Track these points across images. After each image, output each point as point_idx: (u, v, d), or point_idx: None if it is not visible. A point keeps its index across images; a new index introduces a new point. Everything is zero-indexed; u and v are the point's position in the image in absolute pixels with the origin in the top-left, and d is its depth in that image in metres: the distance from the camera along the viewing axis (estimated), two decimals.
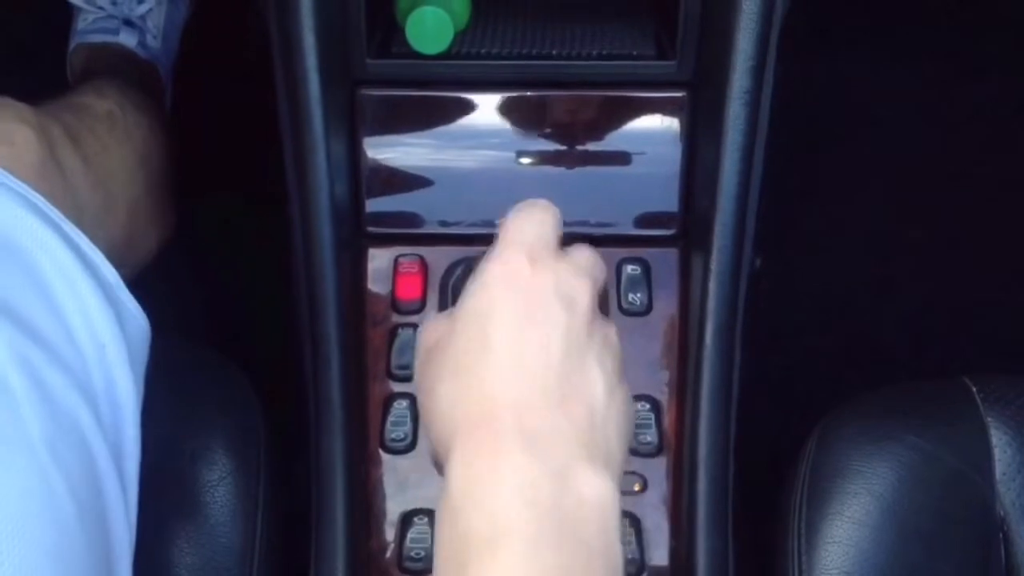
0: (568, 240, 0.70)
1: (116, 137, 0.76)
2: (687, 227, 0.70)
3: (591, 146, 0.69)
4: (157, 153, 0.81)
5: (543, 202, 0.52)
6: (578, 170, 0.70)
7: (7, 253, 0.49)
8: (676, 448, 0.66)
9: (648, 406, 0.66)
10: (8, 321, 0.46)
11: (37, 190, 0.53)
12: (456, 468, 0.43)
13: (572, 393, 0.46)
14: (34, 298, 0.49)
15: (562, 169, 0.70)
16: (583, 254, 0.52)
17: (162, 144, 0.83)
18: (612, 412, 0.47)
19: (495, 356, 0.46)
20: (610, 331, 0.50)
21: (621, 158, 0.70)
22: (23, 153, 0.60)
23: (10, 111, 0.62)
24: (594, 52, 0.69)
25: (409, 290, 0.68)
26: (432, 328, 0.50)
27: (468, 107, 0.69)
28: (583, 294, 0.48)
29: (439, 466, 0.46)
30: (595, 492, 0.43)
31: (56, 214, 0.53)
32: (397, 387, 0.66)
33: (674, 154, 0.69)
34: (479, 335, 0.46)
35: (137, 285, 0.56)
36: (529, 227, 0.50)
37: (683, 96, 0.68)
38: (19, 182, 0.52)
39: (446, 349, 0.47)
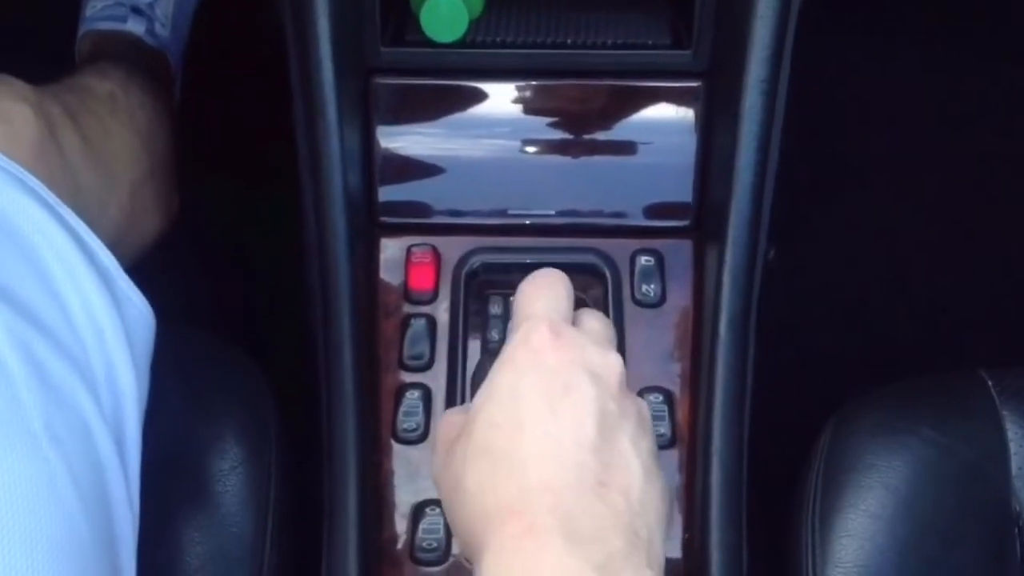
0: (581, 232, 0.70)
1: (118, 118, 0.76)
2: (701, 218, 0.69)
3: (605, 136, 0.69)
4: (161, 137, 0.81)
5: (554, 272, 0.51)
6: (592, 160, 0.69)
7: (5, 237, 0.49)
8: (689, 441, 0.65)
9: (661, 398, 0.66)
10: (6, 305, 0.46)
11: (35, 170, 0.53)
12: (492, 559, 0.41)
13: (609, 477, 0.44)
14: (32, 282, 0.49)
15: (576, 159, 0.69)
16: (597, 323, 0.50)
17: (167, 128, 0.83)
18: (650, 497, 0.45)
19: (527, 436, 0.44)
20: (642, 407, 0.48)
21: (635, 148, 0.69)
22: (21, 131, 0.59)
23: (8, 89, 0.62)
24: (609, 41, 0.69)
25: (422, 280, 0.68)
26: (451, 420, 0.48)
27: (482, 96, 0.69)
28: (611, 368, 0.47)
29: (469, 559, 0.45)
30: None
31: (54, 198, 0.52)
32: (409, 377, 0.66)
33: (689, 144, 0.69)
34: (508, 417, 0.44)
35: (144, 274, 0.56)
36: (544, 300, 0.49)
37: (698, 86, 0.68)
38: (17, 165, 0.52)
39: (471, 435, 0.45)
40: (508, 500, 0.43)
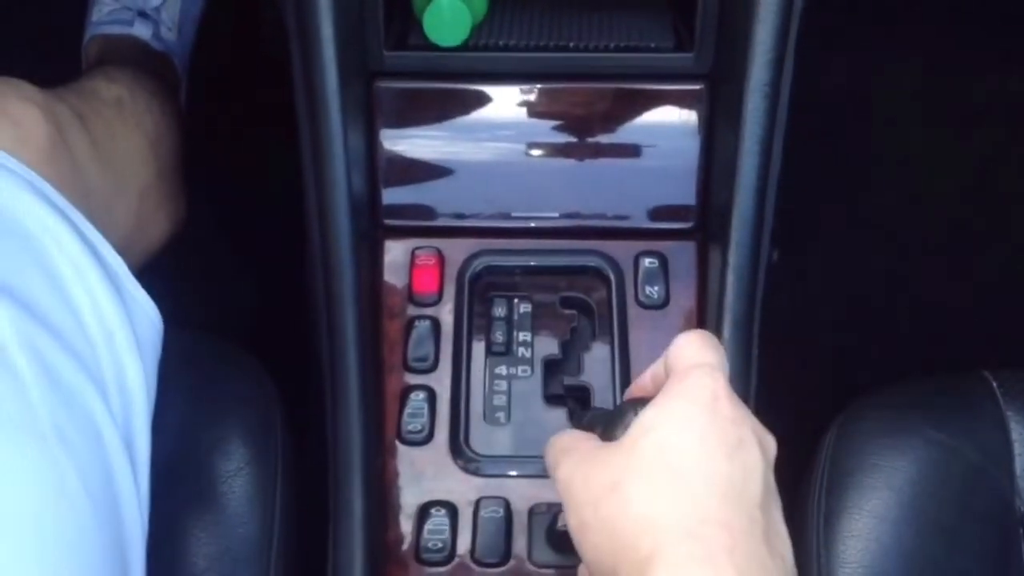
0: (584, 234, 0.70)
1: (125, 121, 0.76)
2: (704, 220, 0.69)
3: (608, 139, 0.69)
4: (168, 140, 0.81)
5: (711, 335, 0.51)
6: (595, 163, 0.70)
7: (16, 239, 0.49)
8: None
9: None
10: (17, 306, 0.46)
11: (44, 173, 0.53)
12: (667, 572, 0.42)
13: (773, 536, 0.45)
14: (43, 284, 0.49)
15: (579, 162, 0.70)
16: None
17: (174, 132, 0.83)
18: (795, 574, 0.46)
19: (707, 469, 0.44)
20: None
21: (638, 151, 0.70)
22: (31, 134, 0.60)
23: (17, 91, 0.62)
24: (611, 44, 0.69)
25: (426, 282, 0.68)
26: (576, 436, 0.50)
27: (485, 99, 0.69)
28: (771, 444, 0.48)
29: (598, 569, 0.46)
30: None
31: (63, 201, 0.53)
32: (413, 379, 0.66)
33: (692, 147, 0.69)
34: (688, 444, 0.45)
35: (151, 276, 0.56)
36: (715, 352, 0.49)
37: (701, 88, 0.68)
38: (27, 168, 0.52)
39: (639, 447, 0.46)
40: (687, 522, 0.43)
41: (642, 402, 0.48)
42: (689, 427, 0.46)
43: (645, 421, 0.47)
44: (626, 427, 0.48)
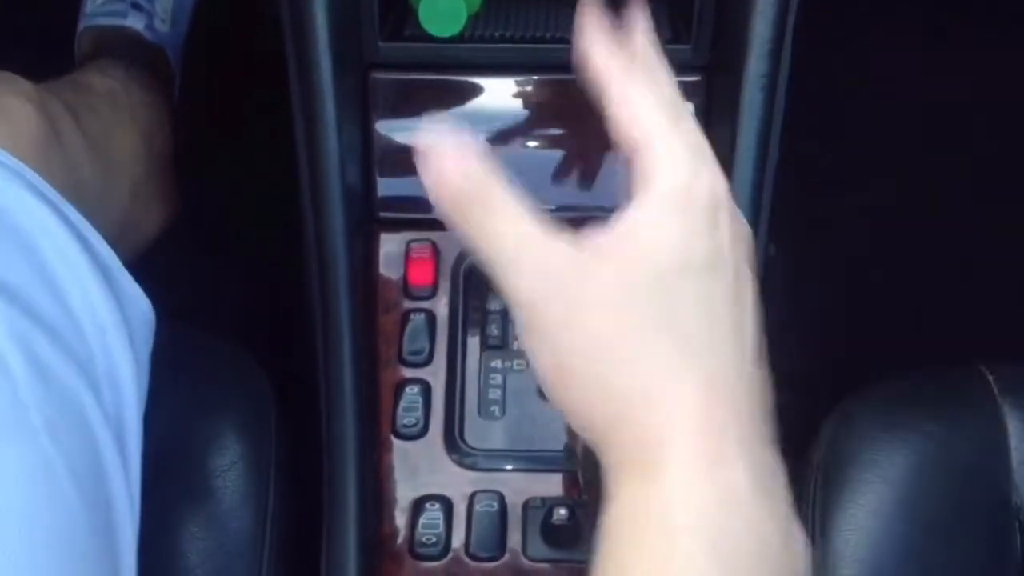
0: (580, 227, 0.70)
1: (118, 115, 0.76)
2: None
3: (605, 130, 0.69)
4: (161, 133, 0.81)
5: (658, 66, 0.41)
6: (591, 155, 0.69)
7: (6, 233, 0.49)
8: None
9: None
10: (7, 301, 0.46)
11: (37, 166, 0.53)
12: (681, 488, 0.35)
13: (757, 378, 0.38)
14: (33, 278, 0.49)
15: (575, 153, 0.69)
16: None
17: (167, 125, 0.83)
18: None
19: (717, 334, 0.37)
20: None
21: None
22: (23, 128, 0.59)
23: (11, 86, 0.62)
24: None
25: (421, 275, 0.68)
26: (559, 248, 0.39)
27: (480, 91, 0.69)
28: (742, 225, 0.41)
29: (579, 424, 0.38)
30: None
31: (56, 195, 0.52)
32: (409, 373, 0.66)
33: None
34: (690, 291, 0.37)
35: (144, 270, 0.56)
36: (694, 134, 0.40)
37: (698, 80, 0.68)
38: (19, 162, 0.52)
39: (639, 265, 0.37)
40: (698, 407, 0.36)
41: None
42: (691, 261, 0.38)
43: (641, 229, 0.38)
44: None
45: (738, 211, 0.41)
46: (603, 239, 0.39)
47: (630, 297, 0.37)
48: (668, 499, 0.35)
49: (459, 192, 0.40)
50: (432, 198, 0.40)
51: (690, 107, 0.43)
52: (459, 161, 0.40)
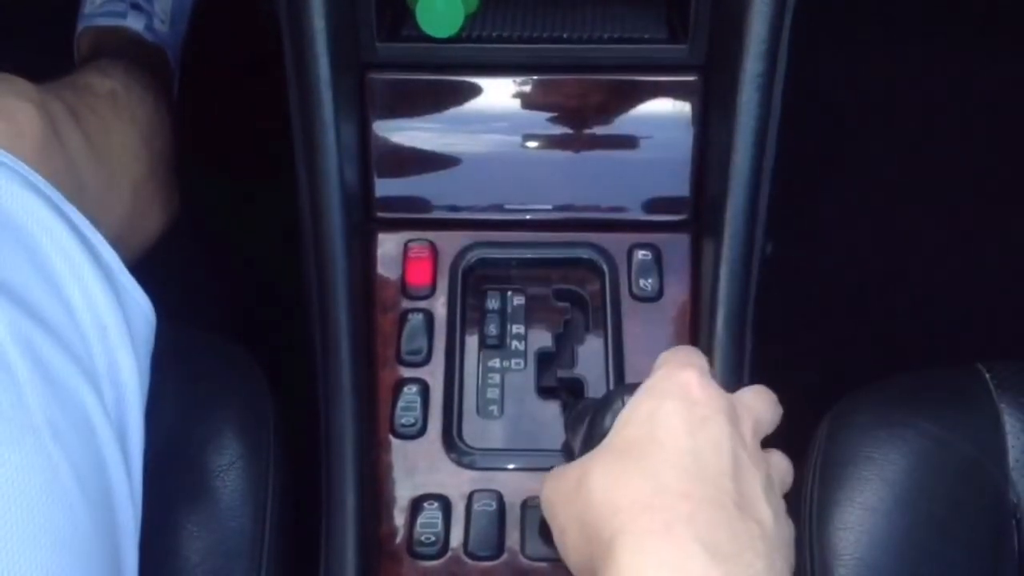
0: (578, 226, 0.70)
1: (118, 116, 0.76)
2: (699, 212, 0.69)
3: (602, 130, 0.69)
4: (161, 134, 0.81)
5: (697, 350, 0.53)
6: (589, 154, 0.69)
7: (8, 233, 0.49)
8: None
9: None
10: (9, 301, 0.46)
11: (38, 167, 0.53)
12: (629, 559, 0.43)
13: (745, 504, 0.45)
14: (35, 279, 0.49)
15: (573, 153, 0.70)
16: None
17: (167, 125, 0.83)
18: (783, 538, 0.46)
19: (665, 451, 0.45)
20: (776, 465, 0.50)
21: (632, 142, 0.70)
22: (24, 129, 0.59)
23: (12, 87, 0.62)
24: (605, 35, 0.69)
25: (419, 275, 0.68)
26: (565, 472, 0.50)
27: (478, 91, 0.69)
28: (748, 427, 0.49)
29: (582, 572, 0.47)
30: None
31: (57, 196, 0.52)
32: (407, 372, 0.66)
33: (685, 139, 0.69)
34: (646, 433, 0.46)
35: (144, 270, 0.56)
36: (699, 361, 0.51)
37: (695, 80, 0.68)
38: (20, 162, 0.52)
39: (605, 446, 0.47)
40: (642, 495, 0.44)
41: (631, 387, 0.49)
42: (654, 415, 0.47)
43: (618, 420, 0.48)
44: (614, 413, 0.48)
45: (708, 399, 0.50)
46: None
47: (614, 456, 0.48)
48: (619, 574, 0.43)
49: None
50: None
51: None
52: None
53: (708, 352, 0.64)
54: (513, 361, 0.66)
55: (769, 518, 0.46)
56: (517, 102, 0.69)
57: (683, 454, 0.45)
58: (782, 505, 0.49)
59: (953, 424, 0.63)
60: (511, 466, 0.63)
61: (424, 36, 0.66)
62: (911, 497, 0.61)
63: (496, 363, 0.66)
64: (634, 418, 0.48)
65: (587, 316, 0.67)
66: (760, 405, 0.52)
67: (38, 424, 0.44)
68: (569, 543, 0.48)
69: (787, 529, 0.48)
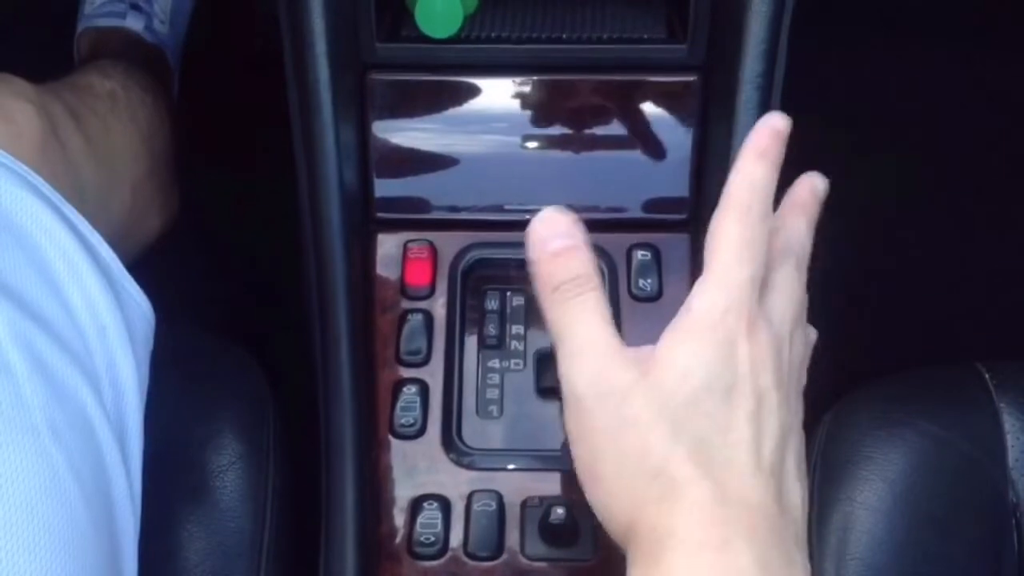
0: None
1: (118, 116, 0.76)
2: (698, 212, 0.69)
3: (601, 130, 0.69)
4: (161, 134, 0.81)
5: (760, 217, 0.46)
6: (588, 155, 0.69)
7: (8, 234, 0.49)
8: None
9: None
10: (9, 301, 0.46)
11: (38, 168, 0.53)
12: (677, 566, 0.41)
13: (785, 491, 0.44)
14: (35, 279, 0.49)
15: (572, 154, 0.70)
16: (789, 297, 0.48)
17: (167, 126, 0.83)
18: (804, 507, 0.46)
19: (728, 439, 0.43)
20: (800, 405, 0.48)
21: (631, 142, 0.70)
22: (24, 130, 0.59)
23: (11, 88, 0.62)
24: (604, 36, 0.69)
25: (418, 276, 0.68)
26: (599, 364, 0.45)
27: (477, 91, 0.69)
28: (793, 367, 0.47)
29: (611, 523, 0.44)
30: None
31: (57, 197, 0.52)
32: (406, 372, 0.66)
33: (685, 139, 0.69)
34: (712, 402, 0.44)
35: (143, 270, 0.56)
36: (750, 265, 0.46)
37: (694, 80, 0.68)
38: (19, 163, 0.52)
39: (657, 395, 0.44)
40: (704, 498, 0.42)
41: None
42: (714, 382, 0.44)
43: (677, 358, 0.44)
44: None
45: (777, 344, 0.46)
46: (649, 361, 0.45)
47: (661, 418, 0.43)
48: None
49: (563, 270, 0.46)
50: (535, 262, 0.47)
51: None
52: (571, 241, 0.47)
53: None
54: (512, 361, 0.66)
55: (799, 506, 0.45)
56: (516, 102, 0.69)
57: (743, 451, 0.43)
58: (802, 451, 0.47)
59: (953, 424, 0.63)
60: (511, 466, 0.63)
61: (423, 37, 0.66)
62: (911, 497, 0.61)
63: (495, 363, 0.66)
64: (694, 367, 0.44)
65: None
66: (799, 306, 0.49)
67: (38, 424, 0.45)
68: (604, 470, 0.44)
69: (805, 492, 0.46)
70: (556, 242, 0.46)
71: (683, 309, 0.46)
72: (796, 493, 0.46)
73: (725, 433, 0.43)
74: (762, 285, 0.47)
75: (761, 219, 0.47)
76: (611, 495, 0.44)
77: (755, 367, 0.44)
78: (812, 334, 0.52)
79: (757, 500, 0.43)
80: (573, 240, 0.46)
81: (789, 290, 0.48)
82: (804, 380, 0.50)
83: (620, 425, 0.44)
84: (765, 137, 0.49)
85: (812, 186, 0.53)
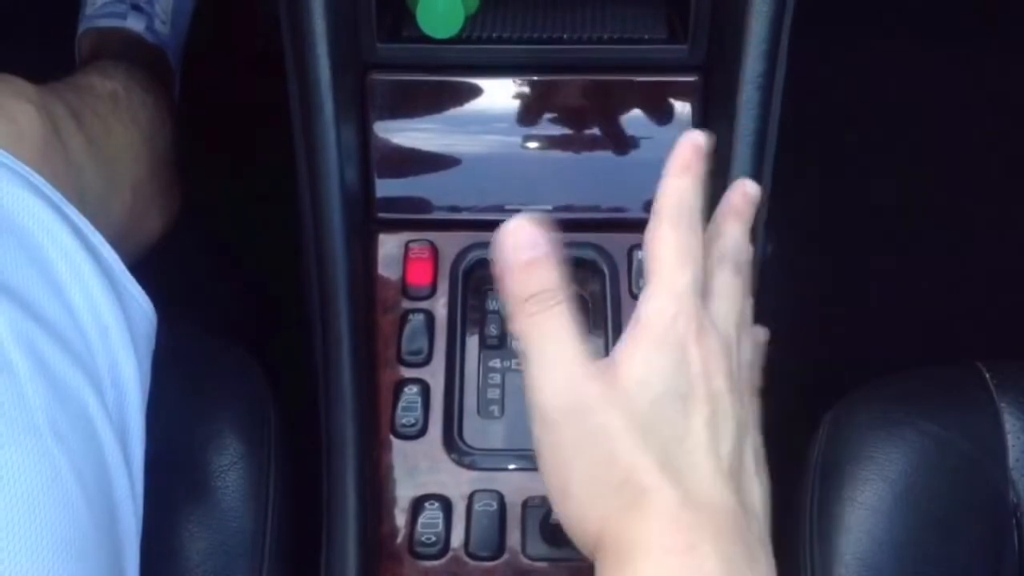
0: (578, 226, 0.70)
1: (119, 117, 0.76)
2: None
3: (602, 131, 0.69)
4: (162, 135, 0.81)
5: (694, 230, 0.48)
6: (589, 155, 0.69)
7: (9, 234, 0.49)
8: None
9: None
10: (10, 302, 0.46)
11: (40, 168, 0.53)
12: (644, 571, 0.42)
13: (744, 498, 0.45)
14: (37, 279, 0.49)
15: (573, 154, 0.70)
16: (730, 288, 0.49)
17: (168, 126, 0.83)
18: (765, 502, 0.47)
19: (687, 444, 0.44)
20: (755, 404, 0.49)
21: (632, 143, 0.70)
22: (26, 131, 0.59)
23: (13, 88, 0.62)
24: (605, 36, 0.69)
25: (420, 276, 0.68)
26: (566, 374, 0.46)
27: (478, 92, 0.69)
28: (741, 367, 0.48)
29: (577, 533, 0.45)
30: None
31: (58, 197, 0.52)
32: (408, 373, 0.66)
33: None
34: (667, 413, 0.45)
35: (144, 270, 0.56)
36: (691, 271, 0.47)
37: (695, 80, 0.68)
38: (21, 163, 0.52)
39: (623, 400, 0.45)
40: (670, 505, 0.43)
41: None
42: (670, 389, 0.45)
43: (634, 367, 0.45)
44: None
45: (726, 347, 0.47)
46: (611, 372, 0.45)
47: (627, 428, 0.44)
48: None
49: (532, 283, 0.47)
50: (503, 273, 0.47)
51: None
52: (538, 252, 0.47)
53: None
54: (514, 361, 0.66)
55: (760, 496, 0.46)
56: (517, 103, 0.69)
57: (703, 456, 0.44)
58: (760, 448, 0.48)
59: (953, 423, 0.63)
60: (512, 466, 0.63)
61: (425, 37, 0.66)
62: (911, 496, 0.61)
63: (497, 363, 0.66)
64: (647, 375, 0.45)
65: (587, 316, 0.67)
66: (741, 295, 0.50)
67: (39, 424, 0.45)
68: (576, 477, 0.45)
69: (766, 487, 0.48)
70: (523, 253, 0.47)
71: (633, 318, 0.47)
72: (756, 491, 0.47)
73: (683, 439, 0.44)
74: (705, 292, 0.48)
75: (692, 227, 0.48)
76: (580, 506, 0.45)
77: (707, 371, 0.46)
78: (761, 334, 0.53)
79: (720, 502, 0.44)
80: (540, 251, 0.47)
81: (730, 294, 0.49)
82: (758, 381, 0.51)
83: (587, 436, 0.44)
84: (688, 151, 0.51)
85: (744, 192, 0.54)
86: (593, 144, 0.69)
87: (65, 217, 0.52)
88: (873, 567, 0.60)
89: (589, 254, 0.69)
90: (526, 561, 0.61)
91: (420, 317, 0.67)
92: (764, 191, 0.65)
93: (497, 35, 0.69)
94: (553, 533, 0.60)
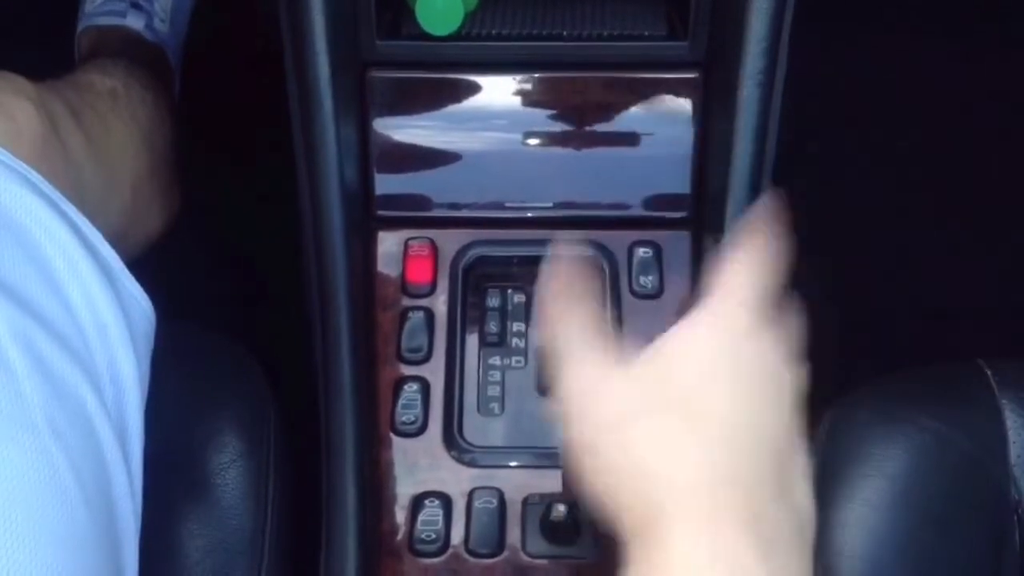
0: (578, 224, 0.70)
1: (119, 115, 0.76)
2: (699, 210, 0.69)
3: (602, 127, 0.69)
4: (162, 133, 0.81)
5: (762, 247, 0.50)
6: (589, 152, 0.69)
7: (7, 232, 0.49)
8: None
9: None
10: (8, 299, 0.46)
11: (38, 166, 0.53)
12: (683, 548, 0.41)
13: (788, 487, 0.45)
14: (35, 277, 0.49)
15: (573, 151, 0.70)
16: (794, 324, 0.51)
17: (167, 124, 0.83)
18: (811, 534, 0.46)
19: (718, 423, 0.44)
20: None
21: (632, 139, 0.70)
22: (24, 128, 0.59)
23: (11, 85, 0.62)
24: (605, 33, 0.69)
25: (419, 273, 0.68)
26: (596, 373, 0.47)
27: (478, 89, 0.69)
28: (795, 384, 0.48)
29: (609, 518, 0.45)
30: None
31: (57, 195, 0.52)
32: (407, 370, 0.66)
33: (686, 135, 0.69)
34: (695, 394, 0.45)
35: (143, 268, 0.56)
36: (751, 279, 0.49)
37: (695, 77, 0.68)
38: (19, 161, 0.52)
39: (649, 400, 0.45)
40: (697, 489, 0.42)
41: None
42: (702, 371, 0.45)
43: (663, 348, 0.46)
44: None
45: (773, 341, 0.49)
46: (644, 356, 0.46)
47: (662, 408, 0.45)
48: (670, 562, 0.41)
49: (571, 331, 0.48)
50: (548, 282, 0.50)
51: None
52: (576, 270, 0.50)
53: None
54: (514, 359, 0.66)
55: (807, 500, 0.46)
56: (517, 100, 0.69)
57: (742, 438, 0.44)
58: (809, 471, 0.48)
59: (954, 421, 0.63)
60: (512, 464, 0.63)
61: (424, 34, 0.66)
62: (912, 494, 0.61)
63: (496, 361, 0.66)
64: (688, 360, 0.45)
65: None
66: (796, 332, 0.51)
67: (38, 422, 0.44)
68: (603, 481, 0.45)
69: (814, 504, 0.47)
70: (564, 303, 0.49)
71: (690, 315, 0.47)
72: (800, 491, 0.46)
73: (726, 422, 0.44)
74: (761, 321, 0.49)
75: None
76: (611, 492, 0.45)
77: (762, 350, 0.46)
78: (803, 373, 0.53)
79: (755, 484, 0.44)
80: (579, 303, 0.49)
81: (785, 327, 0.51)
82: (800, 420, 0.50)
83: (628, 421, 0.45)
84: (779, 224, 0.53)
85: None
86: (593, 141, 0.69)
87: (63, 215, 0.52)
88: (874, 564, 0.60)
89: (589, 251, 0.69)
90: (526, 558, 0.61)
91: (420, 314, 0.67)
92: (764, 188, 0.65)
93: (496, 32, 0.69)
94: (553, 531, 0.60)
